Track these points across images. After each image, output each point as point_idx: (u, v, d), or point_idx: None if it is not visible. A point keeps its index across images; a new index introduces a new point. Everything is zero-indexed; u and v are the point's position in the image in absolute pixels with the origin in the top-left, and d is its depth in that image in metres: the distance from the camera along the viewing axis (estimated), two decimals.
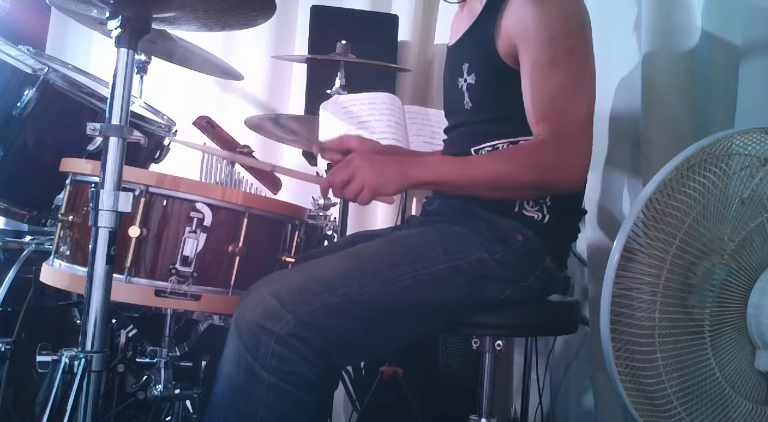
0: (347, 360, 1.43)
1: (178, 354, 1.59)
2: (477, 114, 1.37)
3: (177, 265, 1.23)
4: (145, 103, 1.96)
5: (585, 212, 1.42)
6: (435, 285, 1.22)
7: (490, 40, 1.29)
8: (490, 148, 1.33)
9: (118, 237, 1.08)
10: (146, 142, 1.20)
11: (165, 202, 1.24)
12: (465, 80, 1.37)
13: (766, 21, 1.50)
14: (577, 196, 1.37)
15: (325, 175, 1.97)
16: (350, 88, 2.02)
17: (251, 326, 1.12)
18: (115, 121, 1.08)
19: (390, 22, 2.43)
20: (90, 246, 1.07)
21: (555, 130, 1.21)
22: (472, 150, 1.35)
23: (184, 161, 2.00)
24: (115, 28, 1.08)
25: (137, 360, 1.66)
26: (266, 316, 1.11)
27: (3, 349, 1.59)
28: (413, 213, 2.40)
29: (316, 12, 2.39)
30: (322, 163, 1.92)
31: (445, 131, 1.52)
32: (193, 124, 1.90)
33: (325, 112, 1.89)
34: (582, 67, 1.25)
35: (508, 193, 1.26)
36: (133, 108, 1.51)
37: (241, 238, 1.28)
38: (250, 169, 1.92)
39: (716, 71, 1.63)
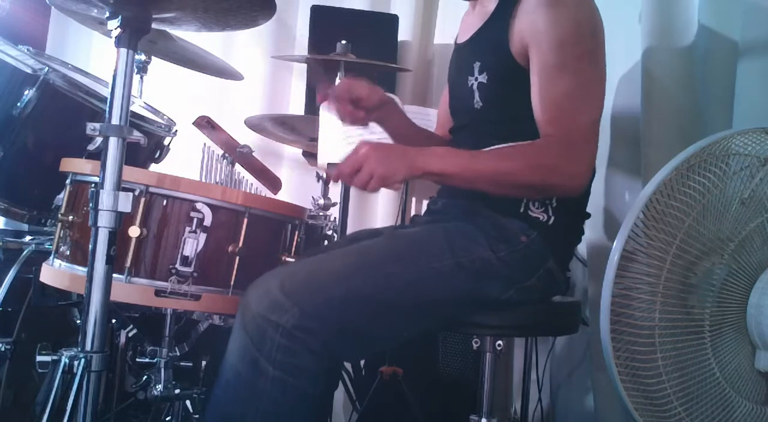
0: (350, 354, 1.44)
1: (178, 354, 1.59)
2: (487, 114, 1.37)
3: (177, 265, 1.23)
4: (145, 103, 1.96)
5: (589, 215, 1.42)
6: (438, 280, 1.23)
7: (504, 40, 1.30)
8: (502, 147, 1.32)
9: (118, 237, 1.08)
10: (146, 142, 1.20)
11: (165, 202, 1.25)
12: (476, 79, 1.37)
13: (763, 20, 1.50)
14: (582, 198, 1.37)
15: (324, 175, 1.99)
16: None
17: (257, 319, 1.12)
18: (115, 121, 1.08)
19: (390, 22, 2.42)
20: (90, 246, 1.07)
21: (560, 133, 1.21)
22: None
23: (184, 161, 2.00)
24: (115, 28, 1.08)
25: (137, 360, 1.66)
26: (272, 309, 1.12)
27: (3, 349, 1.59)
28: (413, 212, 2.40)
29: (316, 12, 2.39)
30: (322, 164, 1.91)
31: (451, 131, 1.52)
32: (193, 124, 1.90)
33: (325, 112, 1.88)
34: (590, 73, 1.25)
35: (510, 190, 1.26)
36: (133, 108, 1.51)
37: (241, 238, 1.28)
38: (252, 169, 1.92)
39: (714, 66, 1.63)
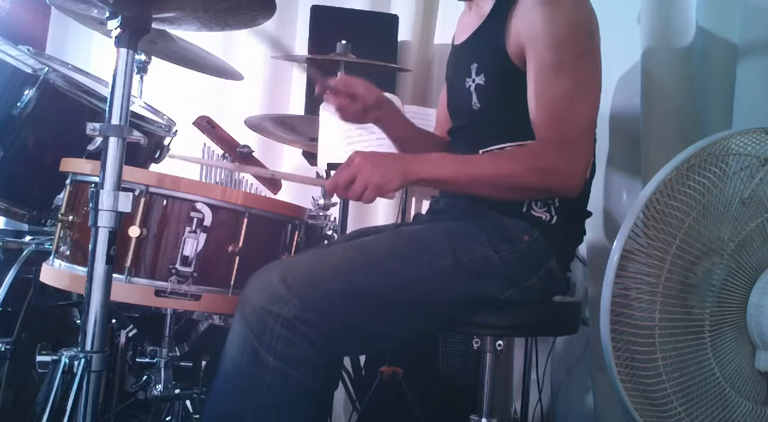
0: (350, 350, 1.44)
1: (178, 354, 1.59)
2: (485, 115, 1.37)
3: (177, 265, 1.23)
4: (145, 103, 1.96)
5: (590, 214, 1.42)
6: (439, 279, 1.23)
7: (500, 41, 1.29)
8: (498, 151, 1.32)
9: (118, 237, 1.08)
10: (146, 142, 1.20)
11: (165, 202, 1.25)
12: (473, 80, 1.36)
13: (762, 21, 1.50)
14: (583, 197, 1.37)
15: (324, 175, 1.99)
16: None
17: (257, 310, 1.12)
18: (115, 121, 1.08)
19: (390, 22, 2.43)
20: (90, 246, 1.07)
21: (556, 134, 1.21)
22: (480, 152, 1.34)
23: (184, 161, 2.00)
24: (115, 28, 1.08)
25: (137, 360, 1.66)
26: (272, 300, 1.12)
27: (3, 349, 1.59)
28: (413, 212, 2.40)
29: (316, 12, 2.39)
30: (321, 163, 1.92)
31: (449, 132, 1.52)
32: (193, 124, 1.90)
33: (325, 112, 1.89)
34: (587, 73, 1.25)
35: (508, 193, 1.26)
36: (133, 108, 1.51)
37: (241, 238, 1.28)
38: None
39: (712, 66, 1.63)
